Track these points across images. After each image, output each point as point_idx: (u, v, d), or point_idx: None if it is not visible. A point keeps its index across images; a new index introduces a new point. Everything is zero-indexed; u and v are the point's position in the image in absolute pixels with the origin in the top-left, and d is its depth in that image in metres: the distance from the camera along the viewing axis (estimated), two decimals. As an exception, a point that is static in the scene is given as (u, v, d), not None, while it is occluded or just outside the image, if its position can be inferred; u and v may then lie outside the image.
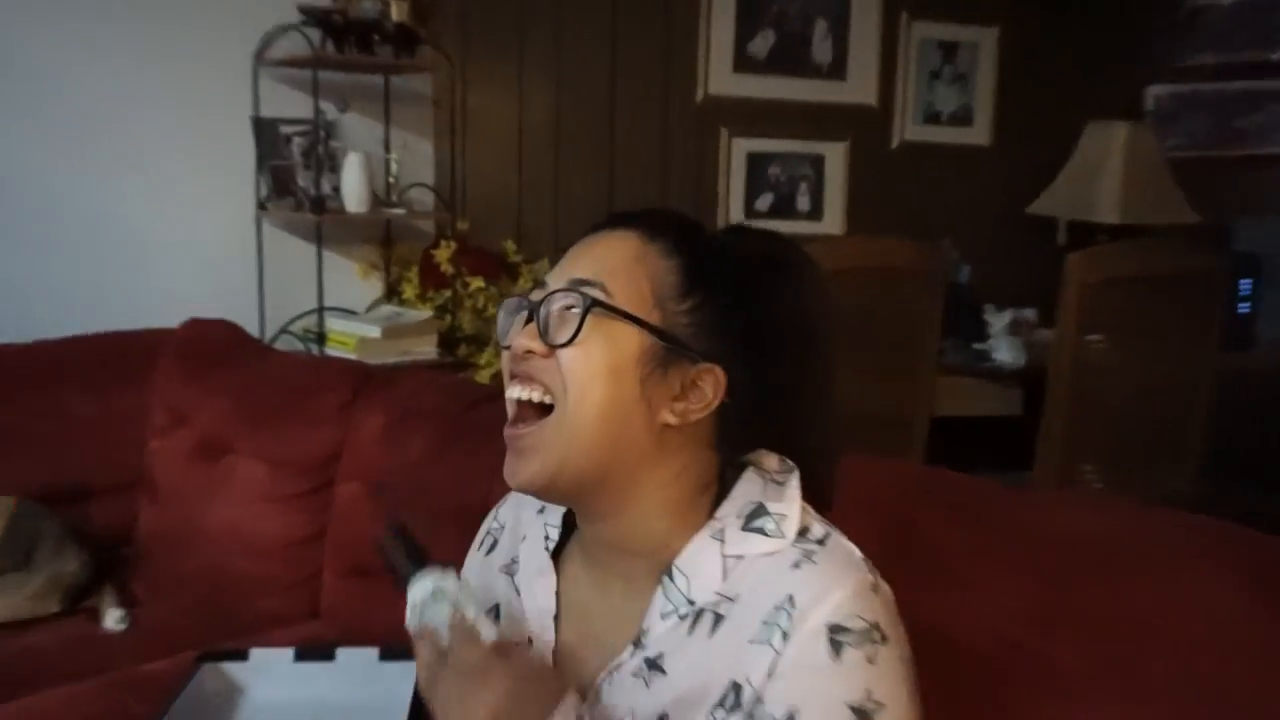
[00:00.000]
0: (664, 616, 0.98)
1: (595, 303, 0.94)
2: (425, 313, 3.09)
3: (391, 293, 3.24)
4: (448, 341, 3.13)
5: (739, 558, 0.97)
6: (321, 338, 2.97)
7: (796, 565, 0.95)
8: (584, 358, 0.94)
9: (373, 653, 1.51)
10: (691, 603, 0.97)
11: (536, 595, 1.06)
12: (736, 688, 0.94)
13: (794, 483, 1.00)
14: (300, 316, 3.10)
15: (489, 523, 1.15)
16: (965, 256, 3.90)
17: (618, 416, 0.93)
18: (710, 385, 0.97)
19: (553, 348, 0.94)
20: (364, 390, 2.05)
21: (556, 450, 0.95)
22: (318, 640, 1.81)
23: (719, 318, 0.98)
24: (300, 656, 1.51)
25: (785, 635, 0.92)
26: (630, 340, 0.95)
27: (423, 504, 1.63)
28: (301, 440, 2.04)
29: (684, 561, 0.98)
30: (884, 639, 0.92)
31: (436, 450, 1.82)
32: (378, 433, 1.95)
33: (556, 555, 1.07)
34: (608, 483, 0.96)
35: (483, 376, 3.04)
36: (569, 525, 1.07)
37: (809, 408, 1.01)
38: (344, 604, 1.95)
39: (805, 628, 0.91)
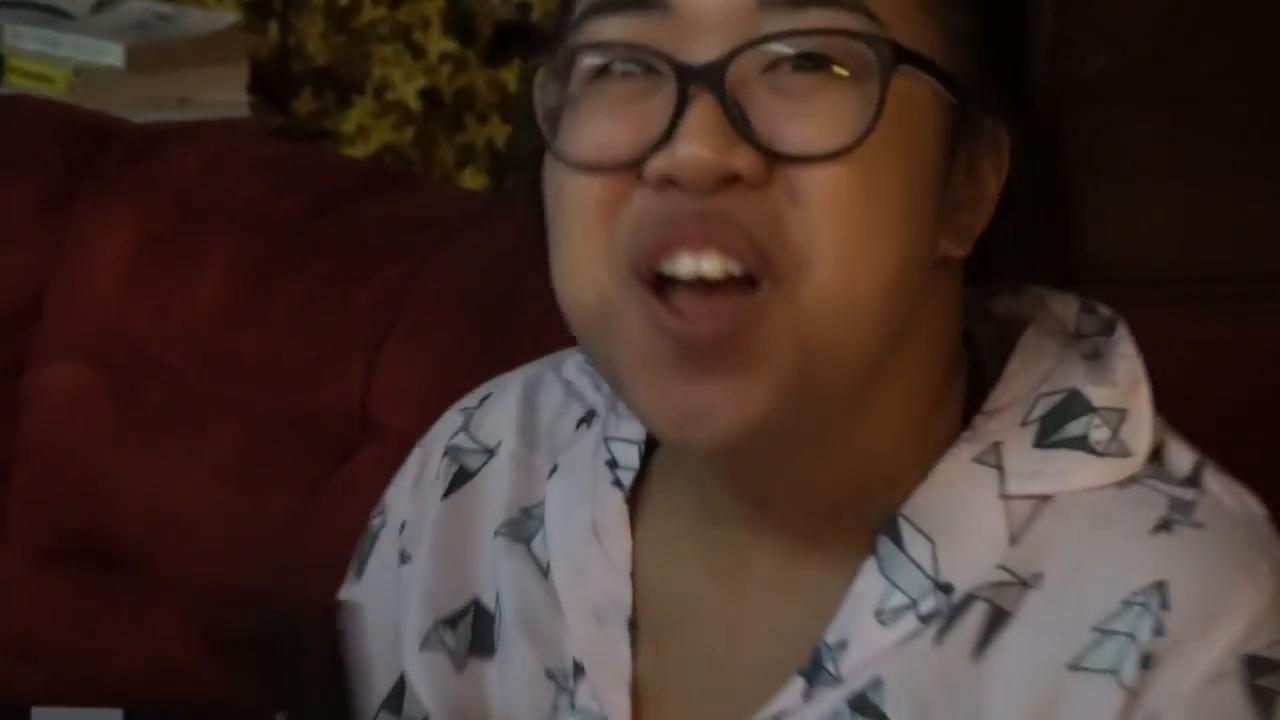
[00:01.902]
0: (882, 618, 0.79)
1: (897, 50, 0.76)
2: (223, 15, 2.59)
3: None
4: (273, 81, 2.62)
5: (1040, 500, 0.80)
6: (-1, 65, 2.59)
7: (1164, 527, 0.78)
8: (868, 180, 0.75)
9: (110, 719, 1.19)
10: (944, 589, 0.79)
11: (591, 578, 0.86)
12: None
13: (1124, 341, 0.82)
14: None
15: (445, 431, 0.94)
16: None
17: (912, 273, 0.77)
18: (992, 169, 0.81)
19: (794, 160, 0.74)
20: (91, 174, 1.61)
21: (793, 354, 0.76)
22: (-3, 691, 1.51)
23: (1007, 40, 0.82)
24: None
25: (1148, 661, 0.75)
26: (928, 113, 0.77)
27: (228, 405, 1.43)
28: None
29: (923, 508, 0.80)
30: None
31: (252, 295, 1.49)
32: (122, 261, 1.54)
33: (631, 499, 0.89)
34: (855, 390, 0.80)
35: (354, 151, 2.57)
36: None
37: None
38: (51, 618, 1.50)
39: (1197, 662, 0.75)
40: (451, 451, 0.94)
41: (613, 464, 0.90)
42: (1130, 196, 2.44)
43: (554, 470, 0.91)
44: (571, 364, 0.91)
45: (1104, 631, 0.78)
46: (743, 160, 0.75)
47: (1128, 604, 0.77)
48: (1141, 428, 0.82)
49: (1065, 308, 0.86)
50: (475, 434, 0.94)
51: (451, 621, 0.90)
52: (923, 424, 0.83)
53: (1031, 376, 0.84)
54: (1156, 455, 0.82)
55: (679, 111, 0.73)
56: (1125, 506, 0.80)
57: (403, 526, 0.93)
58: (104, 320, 1.51)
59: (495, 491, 0.93)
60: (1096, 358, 0.84)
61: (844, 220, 0.76)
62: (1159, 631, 0.76)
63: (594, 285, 0.77)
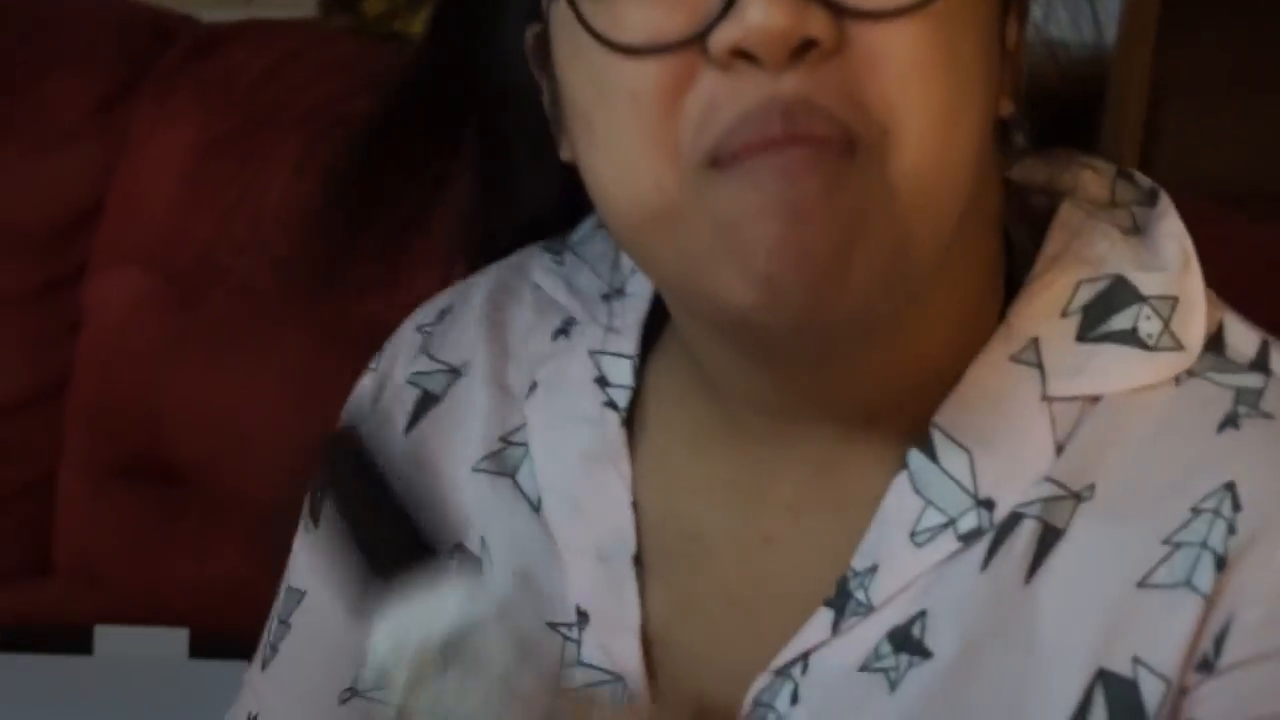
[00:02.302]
0: (916, 539, 0.74)
1: None
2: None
3: None
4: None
5: (1087, 401, 0.74)
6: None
7: (1230, 422, 0.73)
8: (949, 36, 0.70)
9: (176, 638, 1.38)
10: (985, 504, 0.74)
11: (589, 512, 0.80)
12: (1111, 682, 0.71)
13: (1168, 215, 0.76)
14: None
15: (403, 354, 0.86)
16: None
17: (988, 136, 0.73)
18: (1018, 11, 0.77)
19: (871, 17, 0.68)
20: (152, 72, 1.62)
21: (888, 231, 0.70)
22: (53, 614, 1.53)
23: None
24: (9, 644, 1.41)
25: (1222, 564, 0.71)
26: None
27: (295, 314, 1.38)
28: (15, 181, 1.61)
29: (957, 415, 0.75)
30: None
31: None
32: (184, 162, 1.55)
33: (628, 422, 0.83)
34: (937, 270, 0.74)
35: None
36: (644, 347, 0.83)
37: None
38: (106, 541, 1.56)
39: (1275, 557, 0.71)
40: (413, 378, 0.87)
41: (602, 382, 0.82)
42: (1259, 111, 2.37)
43: (533, 388, 0.84)
44: (537, 265, 0.84)
45: (1174, 545, 0.73)
46: (816, 23, 0.69)
47: (1197, 511, 0.73)
48: (1195, 315, 0.77)
49: (1100, 173, 0.81)
50: (437, 354, 0.87)
51: None
52: (973, 312, 0.78)
53: (1070, 258, 0.78)
54: (1216, 341, 0.77)
55: None
56: (1185, 406, 0.75)
57: None
58: (166, 224, 1.50)
59: (467, 418, 0.85)
60: (1137, 233, 0.79)
61: (929, 83, 0.71)
62: (1231, 531, 0.72)
63: (654, 181, 0.71)
